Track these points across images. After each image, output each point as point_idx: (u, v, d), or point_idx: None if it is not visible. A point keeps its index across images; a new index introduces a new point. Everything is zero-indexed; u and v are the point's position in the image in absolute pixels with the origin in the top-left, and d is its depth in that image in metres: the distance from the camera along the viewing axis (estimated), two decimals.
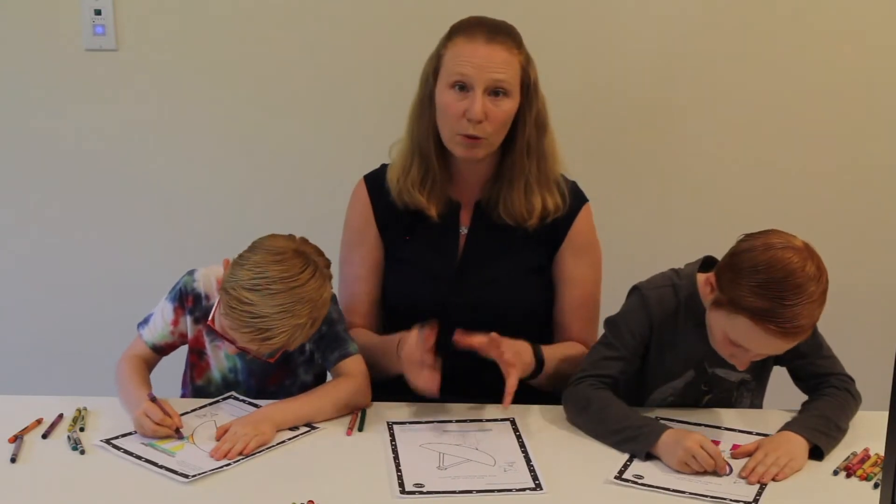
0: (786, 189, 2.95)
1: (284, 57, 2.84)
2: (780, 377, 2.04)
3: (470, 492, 1.69)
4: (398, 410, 2.00)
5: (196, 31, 2.83)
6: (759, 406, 2.10)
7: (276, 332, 1.82)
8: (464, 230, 2.16)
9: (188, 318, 2.03)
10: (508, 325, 2.01)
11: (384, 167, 2.21)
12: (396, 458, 1.79)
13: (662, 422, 1.88)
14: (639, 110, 2.87)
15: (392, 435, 1.88)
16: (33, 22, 2.81)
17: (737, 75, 2.86)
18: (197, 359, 2.07)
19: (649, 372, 2.00)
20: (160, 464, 1.74)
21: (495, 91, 2.01)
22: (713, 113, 2.89)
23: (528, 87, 2.06)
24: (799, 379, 2.01)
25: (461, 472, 1.75)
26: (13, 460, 1.75)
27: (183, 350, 2.10)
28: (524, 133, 2.08)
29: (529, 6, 2.74)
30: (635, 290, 2.00)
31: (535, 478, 1.74)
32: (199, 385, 2.08)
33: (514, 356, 1.93)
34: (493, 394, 1.93)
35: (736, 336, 1.82)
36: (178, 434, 1.82)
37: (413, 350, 1.90)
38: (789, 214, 2.92)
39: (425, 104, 2.08)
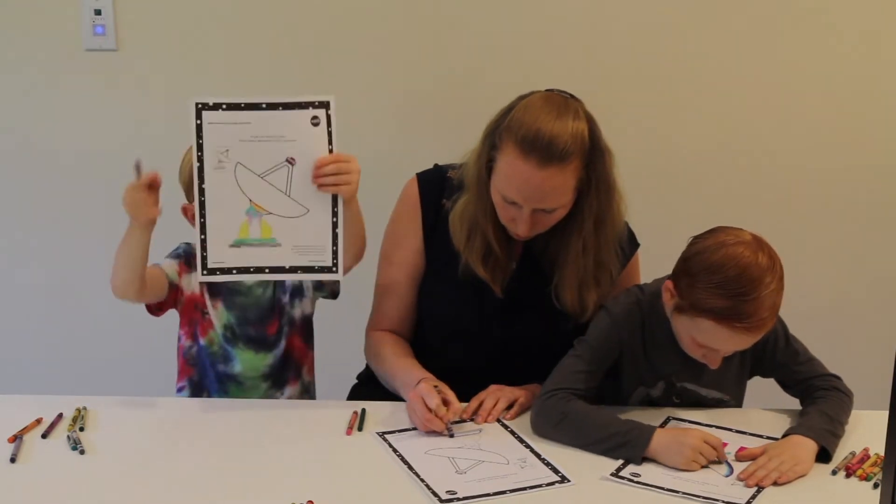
0: (785, 190, 2.94)
1: (285, 57, 2.84)
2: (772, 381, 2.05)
3: (503, 492, 1.69)
4: (384, 412, 1.98)
5: (196, 31, 2.83)
6: None
7: None
8: (513, 265, 2.07)
9: (191, 277, 2.09)
10: (538, 358, 2.01)
11: (438, 169, 2.13)
12: (411, 468, 1.76)
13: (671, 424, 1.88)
14: (637, 110, 2.86)
15: (390, 445, 1.85)
16: (33, 22, 2.81)
17: (737, 75, 2.86)
18: (200, 316, 2.11)
19: (624, 378, 2.00)
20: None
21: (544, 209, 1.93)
22: (710, 113, 2.89)
23: (589, 186, 1.93)
24: (787, 386, 2.02)
25: (482, 475, 1.74)
26: (13, 460, 1.76)
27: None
28: (580, 232, 1.97)
29: (527, 5, 2.75)
30: (602, 310, 2.00)
31: (555, 471, 1.75)
32: (202, 344, 2.11)
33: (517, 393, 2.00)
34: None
35: (703, 338, 1.84)
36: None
37: (424, 416, 1.88)
38: (788, 215, 2.93)
39: (483, 184, 1.96)
